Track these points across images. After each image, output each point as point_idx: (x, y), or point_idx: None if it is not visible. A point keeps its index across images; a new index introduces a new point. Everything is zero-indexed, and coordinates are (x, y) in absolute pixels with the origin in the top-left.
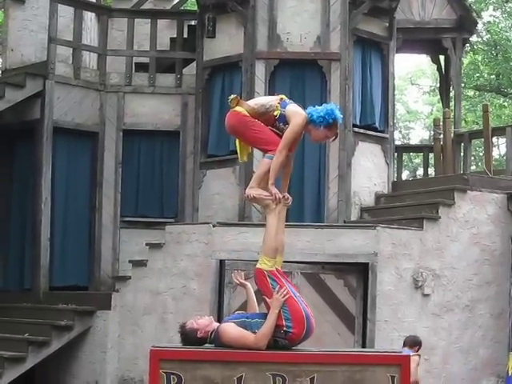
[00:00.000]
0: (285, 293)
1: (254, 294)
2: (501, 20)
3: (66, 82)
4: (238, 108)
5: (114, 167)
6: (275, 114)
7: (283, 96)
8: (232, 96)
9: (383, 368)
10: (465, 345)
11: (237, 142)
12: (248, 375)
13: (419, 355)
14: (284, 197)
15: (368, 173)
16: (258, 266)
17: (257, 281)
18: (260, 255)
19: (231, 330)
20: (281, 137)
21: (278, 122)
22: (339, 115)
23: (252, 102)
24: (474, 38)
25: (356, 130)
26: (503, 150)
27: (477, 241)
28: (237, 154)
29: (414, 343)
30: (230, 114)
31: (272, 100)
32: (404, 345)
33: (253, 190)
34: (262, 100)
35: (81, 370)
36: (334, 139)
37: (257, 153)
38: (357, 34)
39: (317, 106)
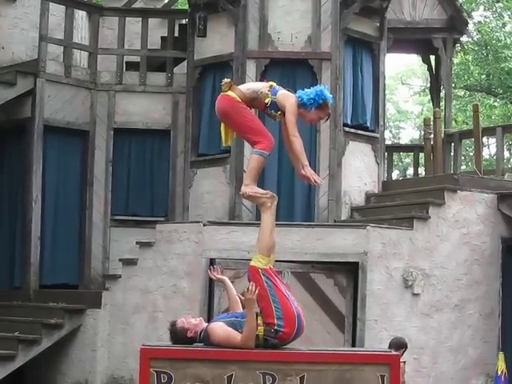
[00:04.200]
0: (253, 289)
1: (233, 287)
2: (491, 20)
3: (57, 81)
4: (230, 93)
5: (104, 166)
6: (266, 101)
7: (273, 83)
8: (225, 80)
9: (373, 367)
10: (454, 344)
11: (222, 126)
12: (238, 374)
13: (404, 362)
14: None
15: (358, 172)
16: (253, 263)
17: (251, 278)
18: (255, 253)
19: (219, 330)
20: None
21: (269, 109)
22: (329, 95)
23: (244, 88)
24: (464, 38)
25: (346, 129)
26: (493, 150)
27: (467, 241)
28: (228, 153)
29: (399, 345)
30: (222, 97)
31: (263, 87)
32: (389, 347)
33: (248, 188)
34: (253, 86)
35: (71, 368)
36: (327, 119)
37: (247, 151)
38: (348, 33)
39: (306, 89)
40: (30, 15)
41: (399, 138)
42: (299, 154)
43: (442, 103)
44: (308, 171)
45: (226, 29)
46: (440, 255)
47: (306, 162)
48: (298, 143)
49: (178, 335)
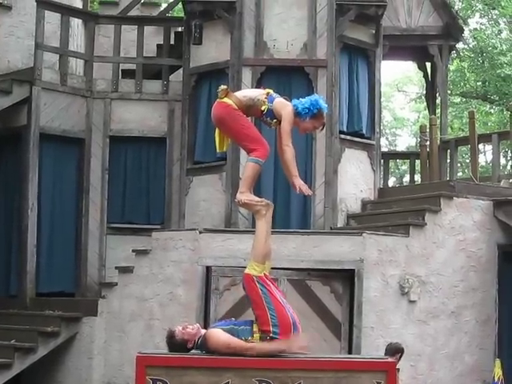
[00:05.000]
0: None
1: None
2: (487, 27)
3: (53, 89)
4: (226, 99)
5: (100, 174)
6: (262, 108)
7: (270, 90)
8: (222, 86)
9: (369, 374)
10: (451, 351)
11: (216, 132)
12: (234, 381)
13: (398, 369)
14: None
15: (354, 179)
16: (247, 271)
17: (245, 286)
18: (249, 260)
19: (220, 335)
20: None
21: (265, 117)
22: (324, 105)
23: (240, 95)
24: (460, 45)
25: (342, 136)
26: (489, 156)
27: (463, 247)
28: (224, 160)
29: (395, 351)
30: (219, 104)
31: (259, 94)
32: (385, 353)
33: (243, 196)
34: (249, 93)
35: (67, 376)
36: (322, 129)
37: (243, 159)
38: (343, 41)
39: (301, 99)
40: (25, 23)
41: (395, 145)
42: (290, 163)
43: (438, 110)
44: (297, 182)
45: (222, 36)
46: (436, 262)
47: (296, 173)
48: (289, 153)
49: (178, 347)
